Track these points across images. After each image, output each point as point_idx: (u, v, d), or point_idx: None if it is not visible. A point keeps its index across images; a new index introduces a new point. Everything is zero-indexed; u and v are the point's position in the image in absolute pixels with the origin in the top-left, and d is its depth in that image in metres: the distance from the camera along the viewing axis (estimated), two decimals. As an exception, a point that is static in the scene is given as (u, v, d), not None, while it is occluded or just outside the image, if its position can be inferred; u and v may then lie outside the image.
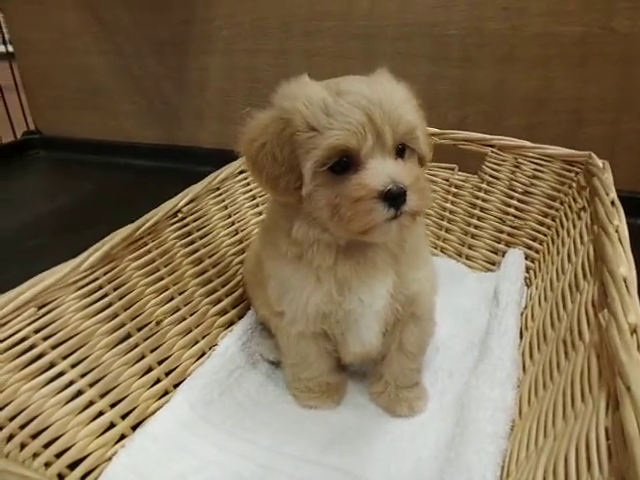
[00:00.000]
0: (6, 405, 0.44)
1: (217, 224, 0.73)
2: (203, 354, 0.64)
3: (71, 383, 0.49)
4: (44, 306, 0.48)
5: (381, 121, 0.44)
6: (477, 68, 1.14)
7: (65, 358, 0.49)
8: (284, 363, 0.61)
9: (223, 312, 0.70)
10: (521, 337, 0.67)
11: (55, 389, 0.48)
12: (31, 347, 0.46)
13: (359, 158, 0.45)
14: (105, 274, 0.53)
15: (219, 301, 0.70)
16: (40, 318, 0.47)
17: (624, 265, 0.47)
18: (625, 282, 0.45)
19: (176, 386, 0.59)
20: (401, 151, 0.47)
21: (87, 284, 0.52)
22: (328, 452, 0.55)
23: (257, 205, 0.82)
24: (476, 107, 1.19)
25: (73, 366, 0.50)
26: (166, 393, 0.58)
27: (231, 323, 0.70)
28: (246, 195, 0.80)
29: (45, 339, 0.48)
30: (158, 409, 0.56)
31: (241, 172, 0.79)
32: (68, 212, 1.27)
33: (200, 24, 1.33)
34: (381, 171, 0.44)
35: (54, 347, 0.48)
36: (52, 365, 0.48)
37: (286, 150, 0.46)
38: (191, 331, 0.64)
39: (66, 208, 1.30)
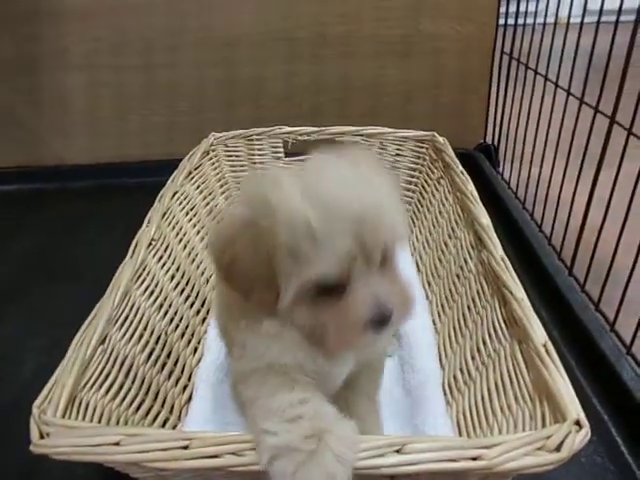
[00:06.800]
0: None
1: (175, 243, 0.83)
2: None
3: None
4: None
5: (372, 243, 0.42)
6: (325, 64, 1.35)
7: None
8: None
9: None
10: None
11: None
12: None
13: (347, 280, 0.42)
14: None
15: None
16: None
17: (485, 217, 0.74)
18: (488, 228, 0.72)
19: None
20: (387, 256, 0.45)
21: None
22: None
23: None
24: (327, 96, 1.41)
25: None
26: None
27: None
28: (184, 211, 0.90)
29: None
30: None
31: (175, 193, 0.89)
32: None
33: (51, 40, 1.30)
34: (368, 296, 0.42)
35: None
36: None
37: (260, 267, 0.43)
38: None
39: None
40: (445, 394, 0.69)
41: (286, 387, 0.46)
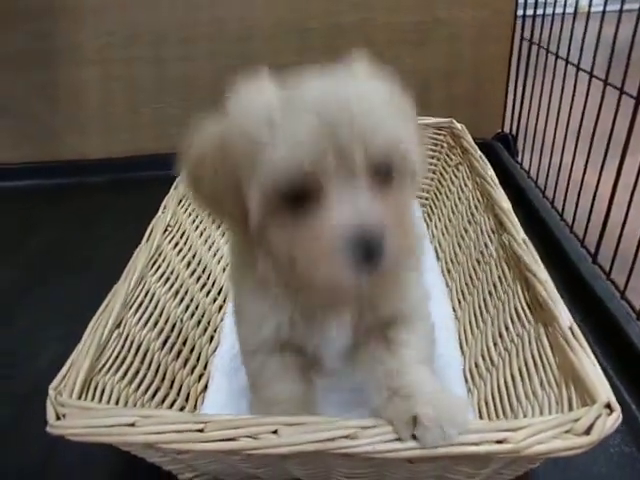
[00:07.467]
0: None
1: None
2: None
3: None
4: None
5: (347, 135, 0.33)
6: (338, 55, 1.34)
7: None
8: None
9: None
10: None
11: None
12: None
13: (320, 185, 0.34)
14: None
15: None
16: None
17: (505, 201, 0.72)
18: (508, 212, 0.70)
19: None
20: (385, 174, 0.36)
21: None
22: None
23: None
24: (341, 87, 1.39)
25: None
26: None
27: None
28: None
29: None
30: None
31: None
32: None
33: (64, 35, 1.31)
34: (346, 210, 0.33)
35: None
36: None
37: (228, 165, 0.36)
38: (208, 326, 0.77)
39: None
40: (466, 381, 0.67)
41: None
